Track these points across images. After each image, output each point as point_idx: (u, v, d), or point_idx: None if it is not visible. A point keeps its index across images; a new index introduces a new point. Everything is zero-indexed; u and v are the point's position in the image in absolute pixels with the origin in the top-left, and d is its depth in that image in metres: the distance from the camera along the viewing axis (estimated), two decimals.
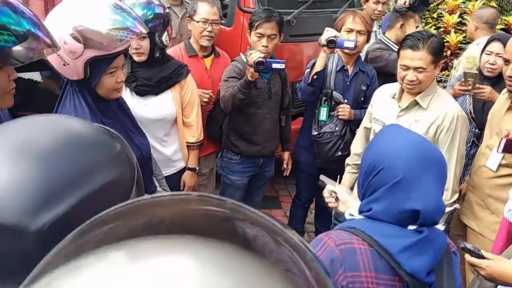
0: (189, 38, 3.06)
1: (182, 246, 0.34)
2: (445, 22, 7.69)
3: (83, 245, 0.37)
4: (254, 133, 2.97)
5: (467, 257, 1.72)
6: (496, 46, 3.02)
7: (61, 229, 0.56)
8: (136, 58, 2.46)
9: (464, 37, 7.50)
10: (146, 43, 2.44)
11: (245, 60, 2.79)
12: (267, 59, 2.64)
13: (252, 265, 0.34)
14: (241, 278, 0.33)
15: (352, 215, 1.34)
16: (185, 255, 0.34)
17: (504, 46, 2.50)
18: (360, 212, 1.30)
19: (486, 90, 2.94)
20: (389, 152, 1.26)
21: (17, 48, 1.29)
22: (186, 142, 2.75)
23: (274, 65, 2.66)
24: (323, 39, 2.75)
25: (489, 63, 3.04)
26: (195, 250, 0.34)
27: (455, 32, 7.44)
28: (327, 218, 3.10)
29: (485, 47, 3.13)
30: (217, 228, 0.38)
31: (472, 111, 3.12)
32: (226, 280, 0.32)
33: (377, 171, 1.25)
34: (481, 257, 1.67)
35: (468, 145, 2.98)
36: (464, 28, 7.65)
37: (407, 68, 2.30)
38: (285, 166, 3.30)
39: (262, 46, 2.75)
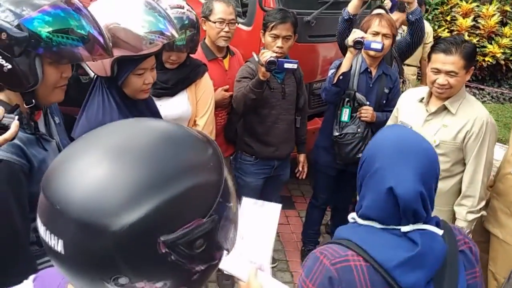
0: (204, 39, 2.95)
1: None
2: (458, 25, 7.64)
3: None
4: (268, 134, 2.91)
5: None
6: None
7: (139, 231, 0.60)
8: (168, 66, 2.41)
9: (478, 40, 7.44)
10: (184, 55, 2.40)
11: (257, 59, 2.74)
12: (279, 59, 2.58)
13: None
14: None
15: (354, 218, 1.31)
16: None
17: None
18: (357, 211, 1.29)
19: None
20: (372, 144, 1.29)
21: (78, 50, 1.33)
22: None
23: (286, 65, 2.60)
24: (350, 39, 2.71)
25: None
26: None
27: (469, 36, 7.38)
28: (343, 221, 3.05)
29: None
30: None
31: None
32: None
33: (361, 164, 1.28)
34: None
35: None
36: (478, 32, 7.59)
37: (439, 71, 2.26)
38: (300, 169, 3.23)
39: (277, 47, 2.71)
